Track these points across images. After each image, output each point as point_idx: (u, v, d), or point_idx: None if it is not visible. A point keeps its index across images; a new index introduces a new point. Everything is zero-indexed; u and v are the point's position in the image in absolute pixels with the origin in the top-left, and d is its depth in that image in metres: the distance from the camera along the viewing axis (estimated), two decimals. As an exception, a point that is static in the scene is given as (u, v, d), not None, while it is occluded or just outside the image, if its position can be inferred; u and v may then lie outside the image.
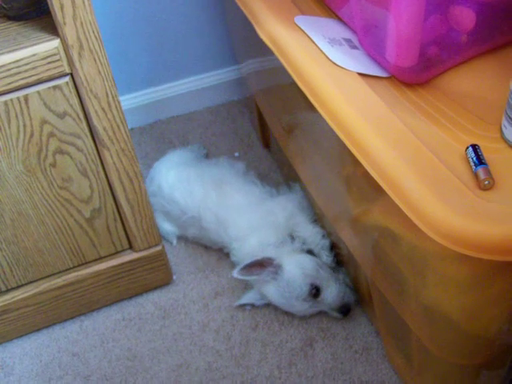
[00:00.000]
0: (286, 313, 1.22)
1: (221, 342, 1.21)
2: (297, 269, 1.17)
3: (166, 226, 1.39)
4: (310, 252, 1.24)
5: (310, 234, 1.25)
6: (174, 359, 1.19)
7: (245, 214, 1.26)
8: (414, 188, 0.71)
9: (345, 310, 1.19)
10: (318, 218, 1.27)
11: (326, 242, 1.25)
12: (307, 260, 1.20)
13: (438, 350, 0.88)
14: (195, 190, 1.32)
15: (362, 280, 1.14)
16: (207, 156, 1.59)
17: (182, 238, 1.40)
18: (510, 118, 0.75)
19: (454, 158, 0.76)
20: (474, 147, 0.74)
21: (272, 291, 1.19)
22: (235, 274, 1.17)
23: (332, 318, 1.21)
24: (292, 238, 1.24)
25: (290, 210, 1.26)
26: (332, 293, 1.17)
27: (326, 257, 1.23)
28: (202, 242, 1.37)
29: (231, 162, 1.45)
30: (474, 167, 0.73)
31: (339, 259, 1.25)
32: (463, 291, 0.76)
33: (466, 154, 0.75)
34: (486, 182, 0.71)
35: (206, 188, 1.31)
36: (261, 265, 1.17)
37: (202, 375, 1.16)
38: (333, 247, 1.25)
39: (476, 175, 0.72)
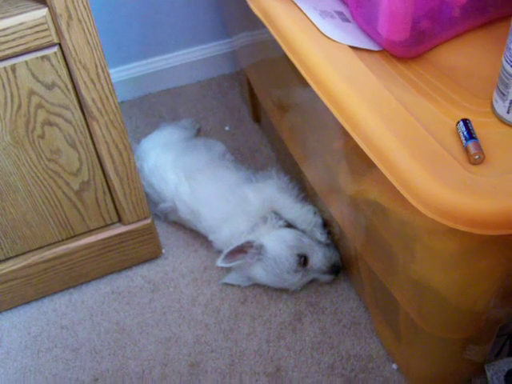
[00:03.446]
0: (275, 287, 1.23)
1: (209, 315, 1.21)
2: (279, 243, 1.17)
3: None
4: (288, 226, 1.24)
5: (300, 213, 1.24)
6: (162, 332, 1.19)
7: (216, 205, 1.25)
8: (404, 162, 0.71)
9: (335, 270, 1.20)
10: (308, 196, 1.27)
11: (319, 220, 1.24)
12: (286, 233, 1.20)
13: (425, 324, 0.88)
14: (170, 179, 1.30)
15: (352, 255, 1.14)
16: (199, 131, 1.58)
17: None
18: (501, 92, 0.75)
19: (444, 133, 0.75)
20: (465, 121, 0.74)
21: (260, 272, 1.19)
22: (219, 263, 1.17)
23: (321, 293, 1.22)
24: (265, 218, 1.23)
25: (267, 195, 1.25)
26: (319, 256, 1.18)
27: (320, 234, 1.23)
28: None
29: (209, 143, 1.44)
30: (464, 141, 0.73)
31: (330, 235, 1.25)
32: (452, 266, 0.76)
33: (457, 128, 0.75)
34: (477, 157, 0.71)
35: (179, 177, 1.30)
36: (242, 250, 1.17)
37: (190, 348, 1.17)
38: (325, 224, 1.25)
39: (466, 149, 0.72)
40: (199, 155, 1.36)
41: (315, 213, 1.25)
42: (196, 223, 1.29)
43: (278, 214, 1.24)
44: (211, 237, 1.26)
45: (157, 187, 1.31)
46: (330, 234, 1.24)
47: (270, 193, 1.25)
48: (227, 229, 1.22)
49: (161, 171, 1.32)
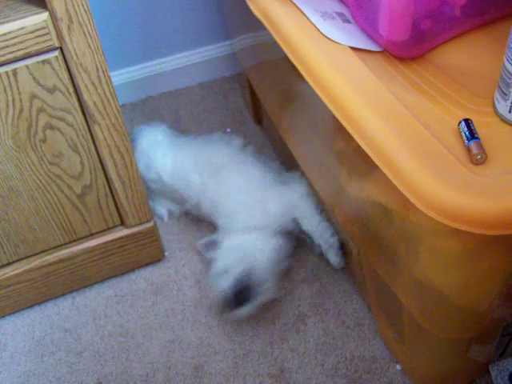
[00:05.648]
0: (279, 288, 1.22)
1: (213, 317, 1.21)
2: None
3: (158, 203, 1.38)
4: (289, 233, 1.22)
5: (317, 228, 1.19)
6: (166, 335, 1.19)
7: (237, 193, 1.24)
8: (406, 162, 0.71)
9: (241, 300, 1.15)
10: (322, 210, 1.22)
11: (336, 241, 1.19)
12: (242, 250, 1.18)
13: (429, 325, 0.88)
14: (193, 180, 1.29)
15: (354, 255, 1.14)
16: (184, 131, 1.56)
17: (173, 215, 1.39)
18: (502, 92, 0.75)
19: (446, 133, 0.75)
20: (467, 121, 0.74)
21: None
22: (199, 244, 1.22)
23: (324, 294, 1.22)
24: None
25: (289, 200, 1.22)
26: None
27: (335, 255, 1.19)
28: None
29: (226, 139, 1.40)
30: (466, 141, 0.72)
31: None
32: (455, 266, 0.76)
33: (459, 128, 0.75)
34: (479, 157, 0.71)
35: (202, 176, 1.28)
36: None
37: (194, 351, 1.16)
38: (342, 246, 1.20)
39: (468, 149, 0.72)
40: (219, 151, 1.33)
41: (333, 233, 1.19)
42: (216, 216, 1.27)
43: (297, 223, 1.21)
44: (222, 221, 1.25)
45: (181, 190, 1.31)
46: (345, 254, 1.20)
47: (291, 199, 1.22)
48: (242, 214, 1.22)
49: (183, 174, 1.30)
